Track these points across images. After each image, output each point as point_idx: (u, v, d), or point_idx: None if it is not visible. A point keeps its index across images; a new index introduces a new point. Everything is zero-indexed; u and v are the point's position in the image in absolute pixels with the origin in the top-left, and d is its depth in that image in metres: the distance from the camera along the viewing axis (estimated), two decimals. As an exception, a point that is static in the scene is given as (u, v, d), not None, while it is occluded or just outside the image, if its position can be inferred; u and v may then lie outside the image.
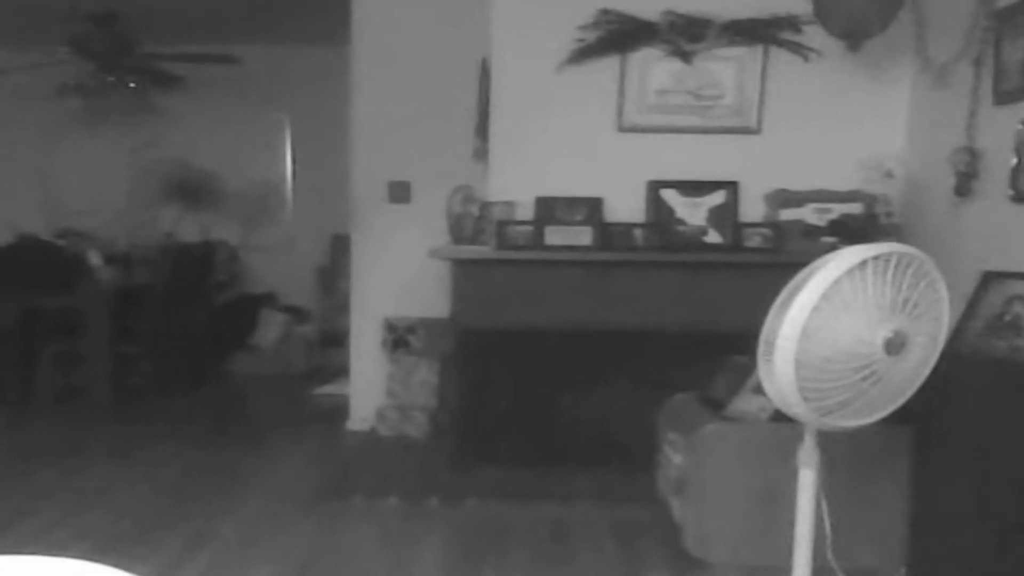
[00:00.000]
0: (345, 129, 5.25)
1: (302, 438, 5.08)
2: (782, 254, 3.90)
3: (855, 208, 4.03)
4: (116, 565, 1.22)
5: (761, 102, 4.20)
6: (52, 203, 7.64)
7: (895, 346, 2.26)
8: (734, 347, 3.18)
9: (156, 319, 5.90)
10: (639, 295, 4.05)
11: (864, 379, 2.28)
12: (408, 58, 4.95)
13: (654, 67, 4.21)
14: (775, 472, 2.79)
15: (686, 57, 4.19)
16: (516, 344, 4.18)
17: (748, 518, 3.06)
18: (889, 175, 3.98)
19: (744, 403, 3.27)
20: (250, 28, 6.78)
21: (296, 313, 7.43)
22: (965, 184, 3.51)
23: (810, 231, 4.02)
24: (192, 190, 7.35)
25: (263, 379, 6.77)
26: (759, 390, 2.70)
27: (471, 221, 4.36)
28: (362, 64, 5.03)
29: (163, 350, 5.97)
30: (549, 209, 4.18)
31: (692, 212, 4.16)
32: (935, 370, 2.39)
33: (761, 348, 2.38)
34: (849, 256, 2.25)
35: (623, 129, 4.27)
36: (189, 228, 7.29)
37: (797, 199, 4.12)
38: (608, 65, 4.23)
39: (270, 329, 7.17)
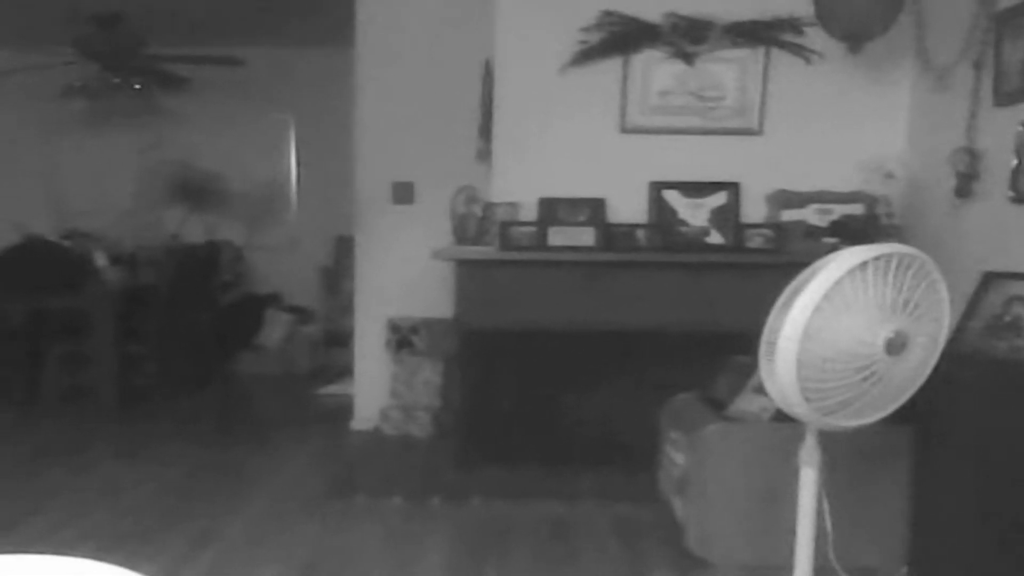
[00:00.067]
0: (349, 130, 5.27)
1: (307, 438, 5.08)
2: (783, 255, 3.91)
3: (856, 209, 4.04)
4: (122, 564, 1.22)
5: (763, 103, 4.21)
6: (58, 204, 7.66)
7: (896, 346, 2.28)
8: (736, 347, 3.19)
9: (161, 319, 5.91)
10: (641, 295, 4.07)
11: (865, 379, 2.29)
12: (412, 59, 4.96)
13: (656, 68, 4.23)
14: (777, 472, 2.80)
15: (688, 59, 4.20)
16: (519, 344, 4.19)
17: (750, 517, 3.07)
18: (890, 176, 3.99)
19: (746, 403, 3.28)
20: (254, 30, 6.79)
21: (300, 313, 7.45)
22: (965, 185, 3.52)
23: (811, 232, 4.03)
24: (197, 191, 7.35)
25: (268, 379, 6.79)
26: (761, 390, 2.70)
27: (474, 222, 4.36)
28: (366, 65, 5.04)
29: (168, 350, 5.98)
30: (552, 210, 4.20)
31: (694, 213, 4.17)
32: (936, 370, 2.41)
33: (763, 348, 2.40)
34: (850, 257, 2.26)
35: (626, 130, 4.28)
36: (194, 229, 7.30)
37: (798, 200, 4.13)
38: (611, 67, 4.24)
39: (275, 329, 7.18)
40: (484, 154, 4.58)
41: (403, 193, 5.11)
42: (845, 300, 2.25)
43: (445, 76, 4.90)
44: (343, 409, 5.41)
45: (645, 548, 3.35)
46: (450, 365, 4.87)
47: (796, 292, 2.30)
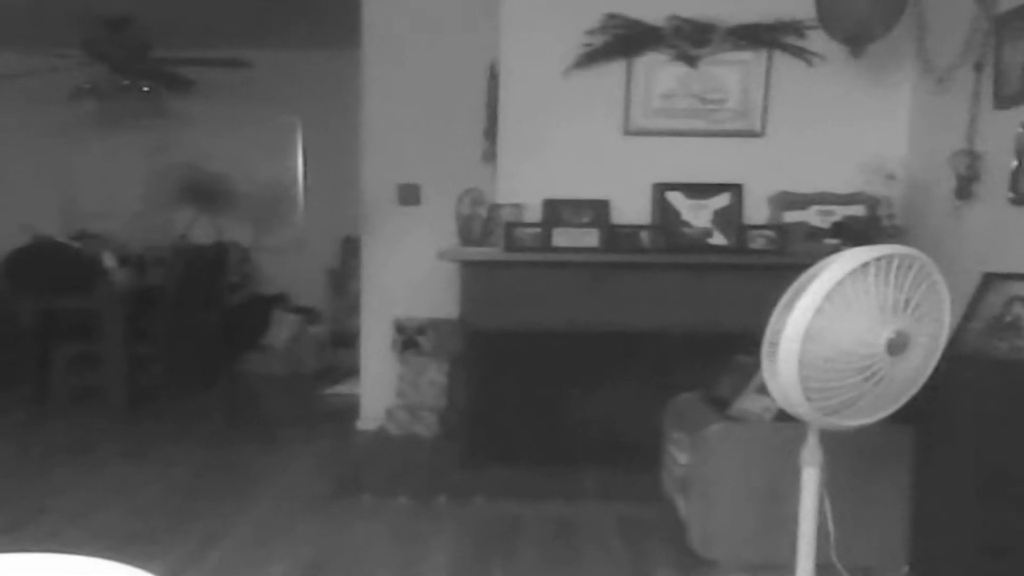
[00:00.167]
0: (356, 132, 5.29)
1: (313, 437, 5.10)
2: (786, 256, 3.92)
3: (857, 210, 4.05)
4: (130, 563, 1.25)
5: (765, 106, 4.23)
6: (67, 205, 7.71)
7: (897, 346, 2.29)
8: (738, 347, 3.21)
9: (169, 320, 5.91)
10: (645, 296, 4.08)
11: (866, 379, 2.31)
12: (418, 62, 4.97)
13: (660, 71, 4.24)
14: (779, 471, 2.81)
15: (691, 61, 4.21)
16: (524, 345, 4.20)
17: (752, 516, 3.08)
18: (891, 178, 4.00)
19: (748, 403, 3.28)
20: (262, 33, 6.81)
21: (307, 314, 7.46)
22: (966, 187, 3.53)
23: (813, 233, 4.04)
24: (205, 192, 7.36)
25: (275, 379, 6.81)
26: (763, 390, 2.72)
27: (480, 223, 4.38)
28: (372, 68, 5.05)
29: (176, 351, 5.97)
30: (556, 211, 4.21)
31: (697, 214, 4.19)
32: (936, 370, 2.42)
33: (765, 348, 2.41)
34: (852, 258, 2.28)
35: (629, 132, 4.30)
36: (202, 230, 7.31)
37: (800, 201, 4.14)
38: (614, 69, 4.26)
39: (282, 330, 7.19)
40: (489, 156, 4.61)
41: (409, 195, 5.13)
42: (847, 301, 2.27)
43: (450, 79, 4.92)
44: (349, 409, 5.43)
45: (648, 547, 3.37)
46: (455, 365, 4.88)
47: (798, 293, 2.32)
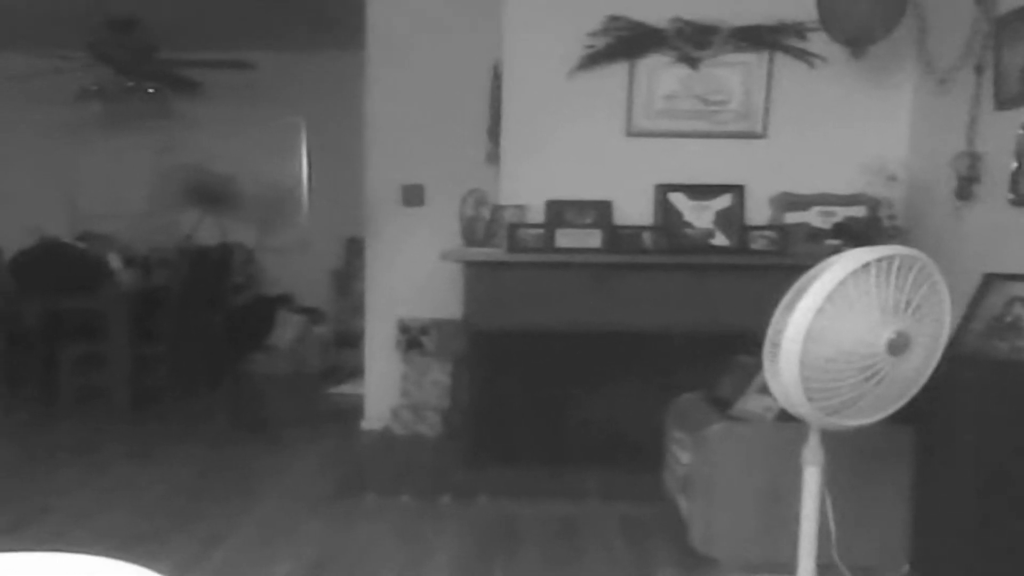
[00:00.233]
0: (360, 133, 5.29)
1: (317, 437, 5.12)
2: (787, 256, 3.93)
3: (859, 211, 4.05)
4: (135, 562, 1.27)
5: (767, 107, 4.24)
6: (73, 206, 7.75)
7: (898, 347, 2.31)
8: (740, 348, 3.22)
9: (175, 321, 5.93)
10: (647, 297, 4.09)
11: (867, 379, 2.33)
12: (421, 64, 4.99)
13: (662, 73, 4.25)
14: (780, 470, 2.82)
15: (693, 63, 4.23)
16: (527, 345, 4.21)
17: (754, 516, 3.08)
18: (892, 179, 4.00)
19: (750, 403, 3.29)
20: (266, 34, 6.84)
21: (312, 314, 7.47)
22: (966, 188, 3.54)
23: (815, 234, 4.04)
24: (210, 194, 7.38)
25: (279, 379, 6.83)
26: (765, 390, 2.74)
27: (483, 224, 4.39)
28: (376, 69, 5.07)
29: (182, 351, 5.99)
30: (559, 212, 4.23)
31: (699, 215, 4.20)
32: (937, 370, 2.43)
33: (767, 349, 2.43)
34: (853, 258, 2.30)
35: (632, 133, 4.31)
36: (207, 231, 7.34)
37: (802, 202, 4.15)
38: (617, 71, 4.28)
39: (286, 330, 7.21)
40: (493, 157, 4.61)
41: (413, 195, 5.14)
42: (848, 301, 2.29)
43: (454, 80, 4.93)
44: (353, 409, 5.44)
45: (651, 546, 3.38)
46: (459, 365, 4.88)
47: (799, 293, 2.34)
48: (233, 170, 7.44)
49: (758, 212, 4.23)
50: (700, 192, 4.23)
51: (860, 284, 2.28)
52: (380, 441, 5.00)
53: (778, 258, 3.96)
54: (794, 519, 2.61)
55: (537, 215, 4.26)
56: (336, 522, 3.64)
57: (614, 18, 4.23)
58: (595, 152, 4.33)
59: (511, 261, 4.14)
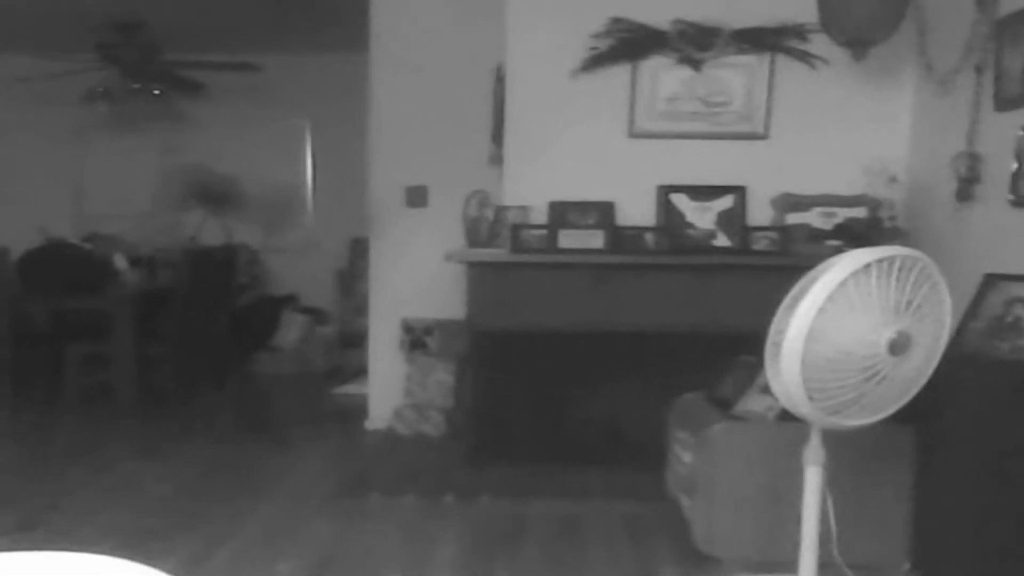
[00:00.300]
0: (364, 135, 5.32)
1: (322, 437, 5.14)
2: (789, 257, 3.93)
3: (860, 212, 4.05)
4: (140, 561, 1.27)
5: (768, 108, 4.25)
6: (78, 207, 7.78)
7: (899, 347, 2.32)
8: (742, 348, 3.21)
9: (180, 321, 5.94)
10: (649, 297, 4.10)
11: (869, 379, 2.34)
12: (425, 66, 4.99)
13: (664, 74, 4.27)
14: (782, 470, 2.83)
15: (696, 65, 4.24)
16: (530, 345, 4.22)
17: (755, 515, 3.09)
18: (893, 180, 4.01)
19: (752, 403, 3.29)
20: (271, 37, 6.86)
21: (316, 314, 7.50)
22: (967, 189, 3.54)
23: (816, 235, 4.05)
24: (215, 194, 7.39)
25: (284, 379, 6.84)
26: (766, 390, 2.75)
27: (486, 225, 4.41)
28: (380, 71, 5.08)
29: (186, 351, 6.01)
30: (562, 213, 4.23)
31: (701, 216, 4.21)
32: (938, 370, 2.44)
33: (768, 349, 2.44)
34: (854, 259, 2.31)
35: (634, 135, 4.32)
36: (212, 232, 7.36)
37: (803, 203, 4.15)
38: (620, 72, 4.29)
39: (291, 330, 7.23)
40: (496, 158, 4.63)
41: (416, 196, 5.15)
42: (849, 301, 2.30)
43: (457, 82, 4.94)
44: (358, 408, 5.44)
45: (653, 545, 3.38)
46: (462, 365, 4.89)
47: (801, 294, 2.35)
48: (238, 171, 7.44)
49: (760, 213, 4.23)
50: (702, 193, 4.24)
51: (861, 284, 2.29)
52: (384, 441, 5.01)
53: (779, 259, 3.96)
54: (795, 518, 2.62)
55: (540, 216, 4.27)
56: (340, 521, 3.65)
57: (616, 20, 4.24)
58: (598, 153, 4.34)
59: (514, 262, 4.15)
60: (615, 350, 4.21)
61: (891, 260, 2.31)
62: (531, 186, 4.33)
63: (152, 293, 6.06)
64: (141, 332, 5.76)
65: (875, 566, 3.02)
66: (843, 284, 2.29)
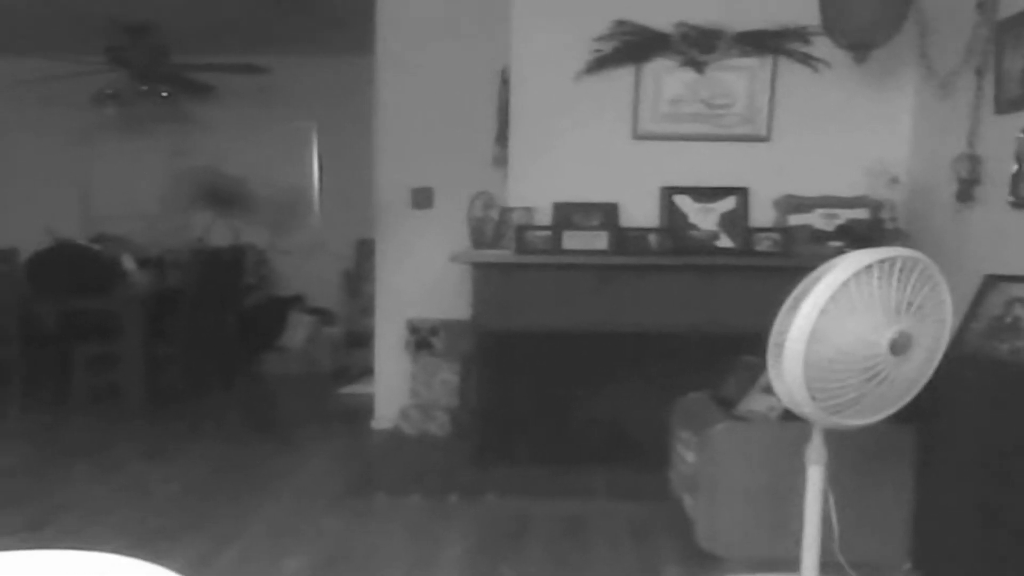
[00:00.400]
0: (370, 137, 5.33)
1: (328, 436, 5.15)
2: (791, 258, 3.94)
3: (861, 213, 4.06)
4: (148, 560, 1.29)
5: (771, 111, 4.26)
6: (88, 208, 7.83)
7: (900, 347, 2.34)
8: (745, 348, 3.23)
9: (188, 321, 5.96)
10: (653, 298, 4.12)
11: (870, 379, 2.35)
12: (430, 68, 5.02)
13: (668, 77, 4.28)
14: (784, 469, 2.84)
15: (699, 67, 4.26)
16: (534, 345, 4.24)
17: (758, 514, 3.10)
18: (894, 181, 4.02)
19: (754, 402, 3.30)
20: (278, 40, 6.89)
21: (323, 315, 7.52)
22: (967, 190, 3.55)
23: (818, 236, 4.06)
24: (222, 196, 7.41)
25: (291, 379, 6.86)
26: (769, 390, 2.77)
27: (491, 226, 4.42)
28: (386, 74, 5.10)
29: (195, 351, 6.03)
30: (566, 214, 4.25)
31: (704, 217, 4.23)
32: (938, 370, 2.46)
33: (771, 349, 2.45)
34: (855, 260, 2.33)
35: (638, 137, 4.34)
36: (220, 233, 7.38)
37: (805, 204, 4.16)
38: (623, 75, 4.31)
39: (298, 330, 7.25)
40: (501, 160, 4.65)
41: (422, 198, 5.17)
42: (851, 302, 2.32)
43: (463, 84, 4.96)
44: (364, 408, 5.47)
45: (656, 544, 3.40)
46: (467, 366, 4.90)
47: (803, 294, 2.37)
48: (245, 173, 7.48)
49: (762, 214, 4.25)
50: (705, 194, 4.25)
51: (863, 285, 2.31)
52: (390, 440, 5.03)
53: (782, 259, 3.97)
54: (797, 517, 2.64)
55: (544, 217, 4.29)
56: (346, 520, 3.67)
57: (620, 23, 4.26)
58: (602, 155, 4.36)
59: (519, 263, 4.17)
60: (619, 350, 4.23)
61: (892, 261, 2.32)
62: (535, 187, 4.35)
63: (160, 294, 6.07)
64: (149, 333, 5.78)
65: (876, 565, 3.03)
66: (845, 285, 2.30)
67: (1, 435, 5.25)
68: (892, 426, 2.63)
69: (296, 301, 7.64)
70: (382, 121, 5.17)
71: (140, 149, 7.78)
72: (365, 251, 6.81)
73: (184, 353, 5.96)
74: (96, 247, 6.36)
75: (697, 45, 4.22)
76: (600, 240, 4.14)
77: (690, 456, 3.37)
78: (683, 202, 4.26)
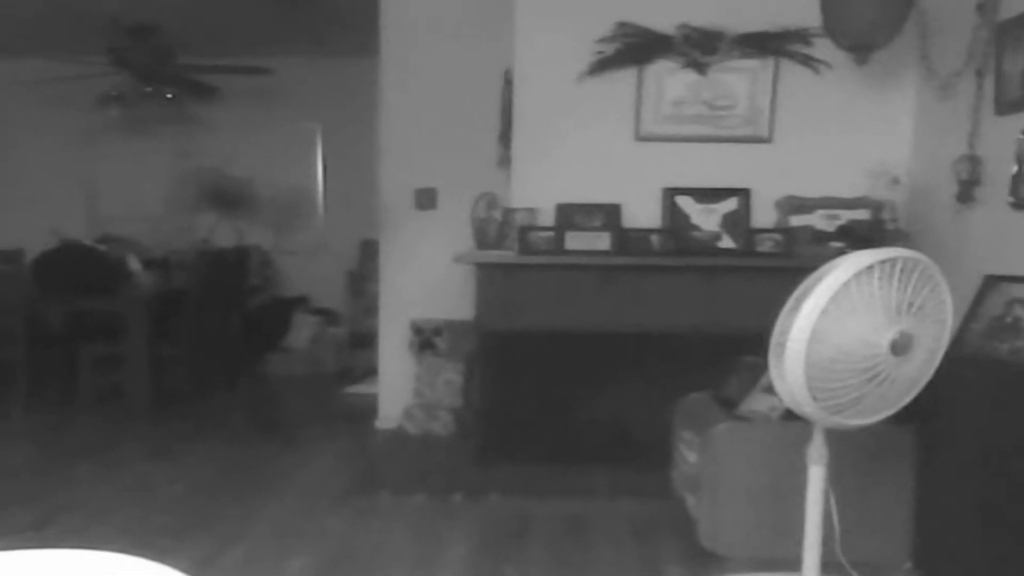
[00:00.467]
0: (374, 138, 5.34)
1: (333, 436, 5.16)
2: (792, 259, 3.96)
3: (862, 214, 4.08)
4: (153, 559, 1.30)
5: (772, 112, 4.27)
6: (93, 209, 7.84)
7: (901, 347, 2.34)
8: (746, 348, 3.23)
9: (193, 322, 5.97)
10: (655, 298, 4.13)
11: (871, 379, 2.36)
12: (434, 70, 5.03)
13: (670, 78, 4.30)
14: (785, 469, 2.85)
15: (701, 69, 4.27)
16: (537, 345, 4.25)
17: (759, 513, 3.10)
18: (895, 182, 4.03)
19: (756, 402, 3.31)
20: (282, 41, 6.89)
21: (327, 315, 7.53)
22: (967, 191, 3.56)
23: (819, 236, 4.07)
24: (227, 197, 7.40)
25: (295, 379, 6.87)
26: (770, 390, 2.78)
27: (495, 227, 4.44)
28: (390, 75, 5.11)
29: (199, 352, 6.04)
30: (569, 215, 4.27)
31: (706, 218, 4.24)
32: (939, 371, 2.47)
33: (772, 349, 2.46)
34: (856, 260, 2.34)
35: (640, 138, 4.35)
36: (224, 234, 7.39)
37: (807, 205, 4.17)
38: (626, 76, 4.32)
39: (302, 331, 7.26)
40: (504, 161, 4.66)
41: (426, 199, 5.18)
42: (851, 303, 2.33)
43: (466, 86, 4.97)
44: (368, 408, 5.47)
45: (658, 544, 3.40)
46: (471, 366, 4.92)
47: (804, 295, 2.38)
48: (250, 174, 7.46)
49: (764, 215, 4.26)
50: (707, 195, 4.26)
51: (863, 286, 2.32)
52: (394, 440, 5.03)
53: (783, 260, 3.99)
54: (799, 517, 2.65)
55: (547, 218, 4.31)
56: (350, 519, 3.68)
57: (622, 25, 4.27)
58: (604, 156, 4.37)
59: (522, 263, 4.18)
60: (621, 350, 4.24)
61: (893, 262, 2.33)
62: (538, 188, 4.36)
63: (165, 294, 6.08)
64: (154, 333, 5.79)
65: (877, 564, 3.03)
66: (846, 285, 2.31)
67: (6, 435, 5.27)
68: (893, 426, 2.64)
69: (300, 302, 7.65)
70: (386, 122, 5.18)
71: (145, 150, 7.79)
72: (369, 252, 6.82)
73: (189, 354, 5.96)
74: (101, 248, 6.37)
75: (699, 47, 4.23)
76: (603, 241, 4.15)
77: (692, 456, 3.38)
78: (685, 203, 4.27)
